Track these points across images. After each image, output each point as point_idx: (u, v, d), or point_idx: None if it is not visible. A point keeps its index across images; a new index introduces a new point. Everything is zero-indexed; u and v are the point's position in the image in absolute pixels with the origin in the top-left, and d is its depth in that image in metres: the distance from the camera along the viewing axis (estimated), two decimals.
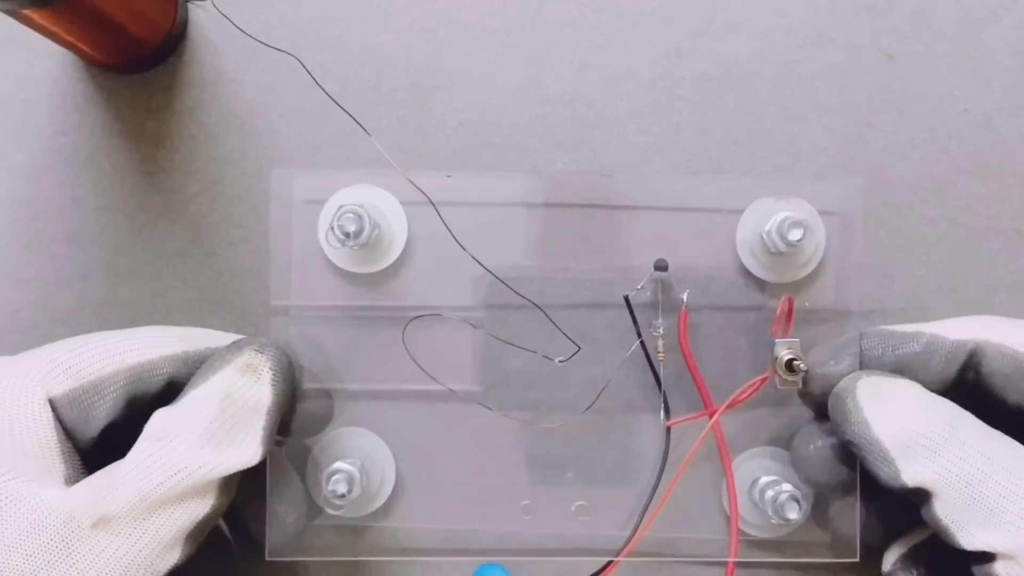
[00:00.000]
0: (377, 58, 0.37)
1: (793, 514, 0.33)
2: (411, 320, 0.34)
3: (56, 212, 0.37)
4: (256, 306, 0.37)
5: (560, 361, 0.34)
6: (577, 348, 0.34)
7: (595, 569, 0.33)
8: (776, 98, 0.37)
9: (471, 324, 0.35)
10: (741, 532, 0.35)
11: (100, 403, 0.28)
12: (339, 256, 0.35)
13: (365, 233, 0.33)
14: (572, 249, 0.35)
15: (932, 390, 0.30)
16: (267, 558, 0.33)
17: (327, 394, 0.34)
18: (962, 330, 0.31)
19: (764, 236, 0.34)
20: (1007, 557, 0.27)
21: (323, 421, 0.34)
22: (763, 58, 0.37)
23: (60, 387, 0.28)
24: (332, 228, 0.33)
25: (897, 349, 0.31)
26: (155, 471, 0.27)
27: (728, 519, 0.35)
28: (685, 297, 0.34)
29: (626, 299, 0.34)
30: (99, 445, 0.29)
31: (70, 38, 0.34)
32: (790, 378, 0.33)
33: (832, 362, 0.32)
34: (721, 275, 0.35)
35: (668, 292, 0.35)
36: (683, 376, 0.35)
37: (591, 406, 0.34)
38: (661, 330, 0.35)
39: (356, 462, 0.34)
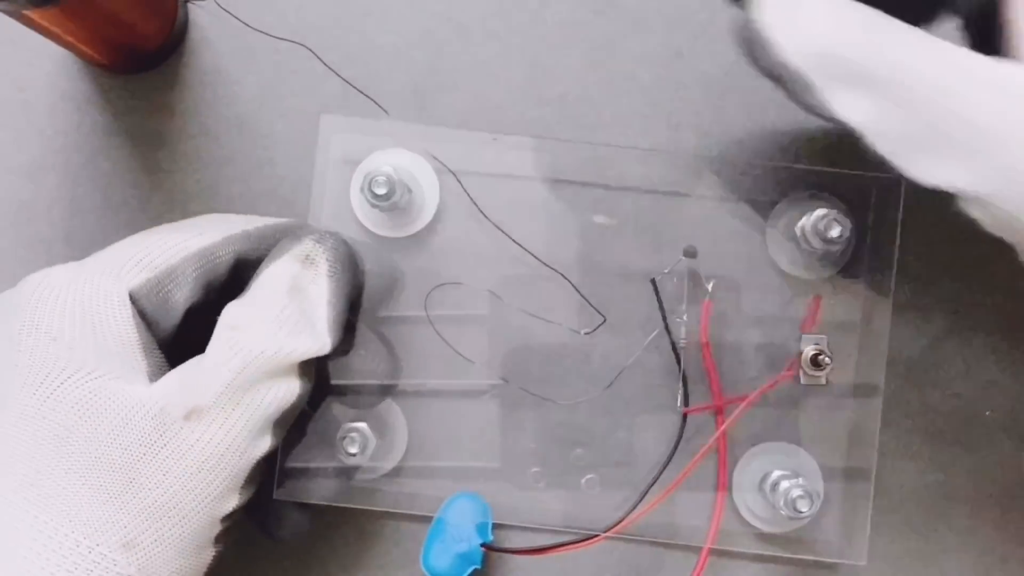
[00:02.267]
0: (377, 58, 0.37)
1: (805, 507, 0.33)
2: (433, 289, 0.35)
3: (56, 212, 0.37)
4: None
5: (586, 332, 0.34)
6: (603, 319, 0.34)
7: (594, 542, 0.33)
8: (777, 98, 0.37)
9: (493, 294, 0.35)
10: (749, 525, 0.35)
11: (177, 288, 0.29)
12: (369, 218, 0.35)
13: (396, 197, 0.33)
14: (603, 228, 0.35)
15: None
16: (274, 496, 0.33)
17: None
18: None
19: (798, 231, 0.33)
20: (972, 198, 0.23)
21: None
22: None
23: (136, 279, 0.28)
24: (363, 190, 0.33)
25: None
26: (237, 357, 0.27)
27: (735, 510, 0.35)
28: (710, 287, 0.34)
29: (653, 283, 0.34)
30: (177, 338, 0.30)
31: (70, 38, 0.34)
32: (815, 373, 0.33)
33: None
34: (749, 267, 0.35)
35: (695, 280, 0.35)
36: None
37: (610, 386, 0.35)
38: (685, 317, 0.35)
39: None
